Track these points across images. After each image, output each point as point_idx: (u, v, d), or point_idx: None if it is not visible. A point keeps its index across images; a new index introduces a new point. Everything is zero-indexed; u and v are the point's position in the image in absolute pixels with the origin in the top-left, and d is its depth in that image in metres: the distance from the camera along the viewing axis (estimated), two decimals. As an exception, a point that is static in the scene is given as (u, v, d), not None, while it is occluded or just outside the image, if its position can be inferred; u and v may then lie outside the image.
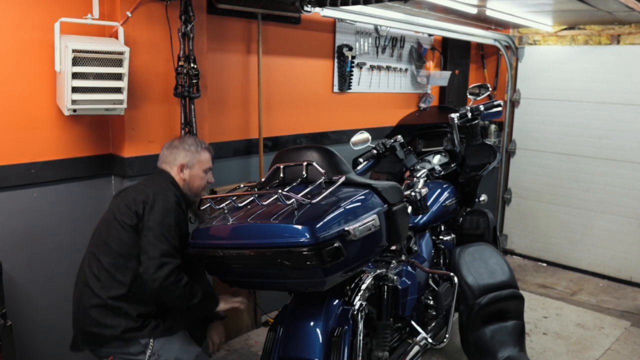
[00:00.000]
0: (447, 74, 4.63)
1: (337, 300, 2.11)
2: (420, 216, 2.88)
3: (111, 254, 2.08)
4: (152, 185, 2.19)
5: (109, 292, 2.04)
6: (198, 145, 2.33)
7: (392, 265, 2.54)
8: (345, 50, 3.87)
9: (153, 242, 2.04)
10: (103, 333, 2.04)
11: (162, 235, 2.05)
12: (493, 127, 5.07)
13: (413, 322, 2.62)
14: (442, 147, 3.36)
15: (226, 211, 1.99)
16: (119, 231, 2.09)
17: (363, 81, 4.12)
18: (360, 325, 2.08)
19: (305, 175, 2.09)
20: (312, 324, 2.04)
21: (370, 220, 1.96)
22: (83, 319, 2.08)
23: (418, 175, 2.79)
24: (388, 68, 4.28)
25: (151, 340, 2.08)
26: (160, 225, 2.07)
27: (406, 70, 4.47)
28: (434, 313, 2.83)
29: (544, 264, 4.99)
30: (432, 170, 3.11)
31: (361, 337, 2.08)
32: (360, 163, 2.76)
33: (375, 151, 2.77)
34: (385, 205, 2.10)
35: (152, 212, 2.08)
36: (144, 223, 2.08)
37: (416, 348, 2.58)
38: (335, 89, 3.94)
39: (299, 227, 1.77)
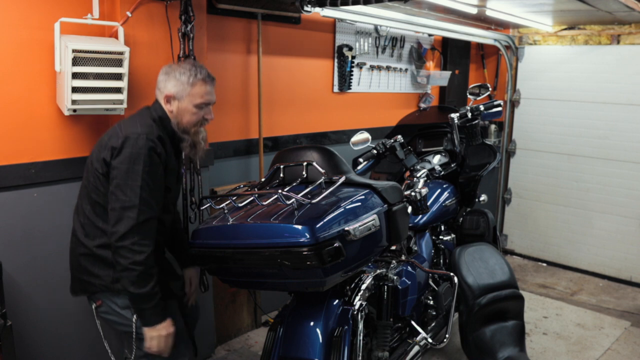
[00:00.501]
0: (447, 74, 4.63)
1: (337, 300, 2.11)
2: (420, 216, 2.88)
3: (91, 202, 2.01)
4: (127, 127, 1.98)
5: (94, 240, 2.01)
6: (192, 74, 2.03)
7: (392, 265, 2.54)
8: (345, 50, 3.87)
9: (115, 192, 1.89)
10: (92, 282, 2.03)
11: (125, 185, 1.87)
12: (493, 127, 5.08)
13: (413, 322, 2.62)
14: (442, 147, 3.36)
15: (226, 211, 1.99)
16: (95, 179, 1.98)
17: (363, 81, 4.12)
18: (360, 325, 2.08)
19: (305, 175, 2.09)
20: (312, 324, 2.04)
21: (370, 220, 1.96)
22: (76, 267, 2.08)
23: (418, 175, 2.79)
24: (388, 68, 4.28)
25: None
26: (125, 174, 1.89)
27: (406, 70, 4.47)
28: (434, 313, 2.83)
29: (544, 264, 4.99)
30: (432, 170, 3.12)
31: (361, 337, 2.08)
32: (360, 163, 2.76)
33: (375, 151, 2.77)
34: (385, 205, 2.10)
35: (118, 159, 1.91)
36: (111, 171, 1.92)
37: (416, 348, 2.58)
38: (335, 89, 3.94)
39: (299, 227, 1.77)
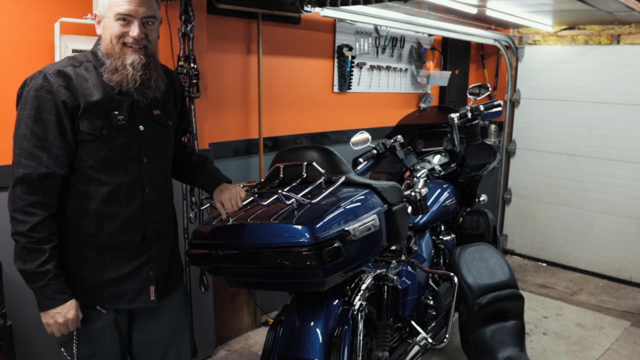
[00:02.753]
0: (447, 74, 4.63)
1: (337, 300, 2.11)
2: (420, 216, 2.88)
3: None
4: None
5: None
6: None
7: (392, 265, 2.54)
8: (345, 50, 3.87)
9: None
10: None
11: (15, 136, 1.62)
12: (493, 127, 5.08)
13: (413, 322, 2.62)
14: (442, 147, 3.36)
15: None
16: None
17: (363, 81, 4.12)
18: (360, 325, 2.08)
19: (305, 175, 2.09)
20: (312, 324, 2.04)
21: (370, 220, 1.96)
22: None
23: (418, 175, 2.79)
24: (388, 68, 4.28)
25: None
26: (16, 123, 1.63)
27: (406, 70, 4.47)
28: (434, 313, 2.83)
29: (544, 264, 4.99)
30: (432, 170, 3.11)
31: (361, 337, 2.08)
32: (360, 163, 2.76)
33: (375, 151, 2.77)
34: (385, 205, 2.10)
35: (17, 104, 1.68)
36: None
37: (416, 348, 2.58)
38: (335, 89, 3.94)
39: (299, 227, 1.77)
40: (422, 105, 4.67)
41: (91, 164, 1.66)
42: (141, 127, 1.75)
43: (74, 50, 2.29)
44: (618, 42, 4.43)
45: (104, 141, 1.66)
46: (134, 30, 1.64)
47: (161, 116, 1.83)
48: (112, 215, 1.70)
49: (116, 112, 1.67)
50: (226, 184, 1.95)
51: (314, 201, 1.84)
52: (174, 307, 1.95)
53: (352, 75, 3.97)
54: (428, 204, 2.72)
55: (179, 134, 2.04)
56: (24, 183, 1.57)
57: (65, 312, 1.66)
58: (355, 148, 2.77)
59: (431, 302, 2.82)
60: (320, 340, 2.00)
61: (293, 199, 1.84)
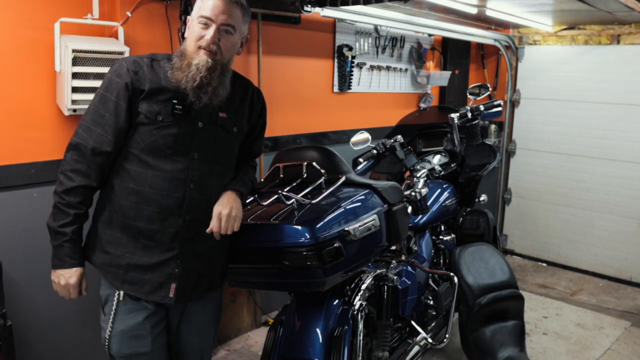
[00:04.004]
0: (447, 74, 4.63)
1: (337, 300, 2.11)
2: (420, 216, 2.88)
3: None
4: None
5: None
6: None
7: (392, 265, 2.54)
8: (345, 50, 3.87)
9: None
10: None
11: (86, 111, 1.75)
12: (493, 127, 5.07)
13: (413, 322, 2.62)
14: (442, 147, 3.36)
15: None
16: None
17: (363, 81, 4.12)
18: (360, 325, 2.08)
19: (305, 175, 2.09)
20: (312, 324, 2.04)
21: (370, 220, 1.96)
22: None
23: (418, 175, 2.79)
24: (388, 68, 4.28)
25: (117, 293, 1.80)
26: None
27: (406, 70, 4.47)
28: (434, 313, 2.83)
29: (544, 264, 4.99)
30: (432, 170, 3.11)
31: (361, 337, 2.08)
32: (360, 163, 2.76)
33: (375, 151, 2.77)
34: (385, 205, 2.10)
35: None
36: None
37: (416, 348, 2.58)
38: (335, 89, 3.94)
39: (299, 227, 1.77)
40: (422, 105, 4.67)
41: (142, 146, 1.71)
42: (200, 124, 1.77)
43: (74, 50, 2.29)
44: (618, 42, 4.43)
45: (157, 126, 1.71)
46: (209, 34, 1.70)
47: (226, 120, 1.82)
48: (152, 201, 1.72)
49: (175, 101, 1.72)
50: (230, 196, 1.82)
51: (314, 201, 1.85)
52: (206, 313, 1.95)
53: (352, 75, 3.97)
54: (428, 204, 2.72)
55: (247, 149, 2.00)
56: (75, 150, 1.70)
57: (69, 276, 1.74)
58: (355, 148, 2.77)
59: (431, 302, 2.82)
60: (320, 340, 2.00)
61: (293, 199, 1.84)
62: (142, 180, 1.72)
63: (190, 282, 1.81)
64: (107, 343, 1.79)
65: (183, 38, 2.53)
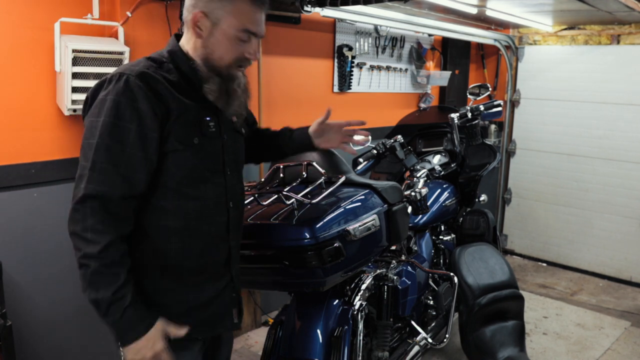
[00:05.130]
0: (447, 74, 4.63)
1: (337, 300, 2.11)
2: (420, 216, 2.88)
3: None
4: (127, 64, 1.49)
5: None
6: None
7: (392, 265, 2.54)
8: (345, 50, 3.87)
9: (80, 155, 1.40)
10: None
11: (86, 144, 1.38)
12: (493, 127, 5.07)
13: (413, 322, 2.62)
14: (442, 147, 3.36)
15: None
16: None
17: (363, 81, 4.12)
18: (360, 325, 2.08)
19: (305, 175, 2.08)
20: (312, 324, 2.04)
21: (370, 220, 1.96)
22: None
23: (418, 175, 2.79)
24: (388, 68, 4.28)
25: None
26: (88, 130, 1.38)
27: (406, 70, 4.47)
28: (434, 313, 2.83)
29: (544, 264, 4.99)
30: (432, 170, 3.11)
31: (361, 337, 2.08)
32: (360, 163, 2.76)
33: (375, 151, 2.77)
34: (385, 205, 2.10)
35: (89, 112, 1.42)
36: None
37: (416, 348, 2.58)
38: (335, 89, 3.94)
39: (299, 227, 1.77)
40: (422, 105, 4.67)
41: (180, 177, 1.45)
42: (225, 136, 1.57)
43: (74, 50, 2.29)
44: (618, 42, 4.43)
45: (194, 151, 1.46)
46: (253, 48, 1.52)
47: (238, 122, 1.65)
48: (200, 233, 1.50)
49: (208, 119, 1.50)
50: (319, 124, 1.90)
51: (314, 201, 1.84)
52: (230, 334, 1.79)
53: (352, 75, 3.97)
54: (428, 204, 2.71)
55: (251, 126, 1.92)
56: (95, 200, 1.34)
57: (152, 343, 1.40)
58: (356, 148, 2.77)
59: (431, 302, 2.82)
60: (320, 341, 2.00)
61: (293, 199, 1.84)
62: (184, 216, 1.47)
63: (241, 300, 1.71)
64: None
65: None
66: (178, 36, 1.55)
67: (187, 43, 1.51)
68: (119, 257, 1.36)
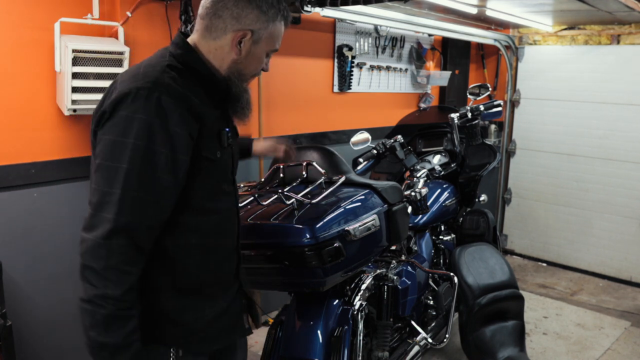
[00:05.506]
0: (447, 74, 4.63)
1: (337, 300, 2.11)
2: (420, 216, 2.88)
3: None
4: (128, 77, 1.34)
5: None
6: (279, 10, 1.43)
7: (392, 265, 2.54)
8: (345, 50, 3.87)
9: (95, 176, 1.27)
10: None
11: (109, 167, 1.24)
12: (493, 127, 5.08)
13: (413, 322, 2.62)
14: (442, 147, 3.36)
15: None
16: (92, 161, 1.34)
17: (363, 81, 4.12)
18: (360, 325, 2.08)
19: (305, 175, 2.09)
20: (312, 324, 2.04)
21: (370, 220, 1.96)
22: None
23: (418, 175, 2.79)
24: (388, 68, 4.28)
25: (172, 350, 1.42)
26: (110, 150, 1.25)
27: (406, 70, 4.47)
28: (434, 313, 2.83)
29: (544, 264, 4.99)
30: (432, 170, 3.12)
31: (361, 337, 2.08)
32: (360, 163, 2.77)
33: (375, 151, 2.77)
34: (385, 205, 2.10)
35: (105, 127, 1.28)
36: (97, 145, 1.30)
37: (416, 348, 2.58)
38: (335, 89, 3.94)
39: (299, 227, 1.77)
40: (422, 105, 4.67)
41: (203, 193, 1.40)
42: (233, 145, 1.53)
43: (74, 50, 2.29)
44: (618, 42, 4.43)
45: (216, 165, 1.41)
46: (268, 65, 1.52)
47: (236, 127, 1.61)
48: (217, 246, 1.47)
49: (227, 129, 1.45)
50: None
51: (314, 201, 1.85)
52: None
53: (352, 75, 3.97)
54: (428, 204, 2.72)
55: None
56: (124, 235, 1.22)
57: None
58: (355, 148, 2.77)
59: (431, 302, 2.82)
60: (320, 341, 2.00)
61: (293, 199, 1.84)
62: (205, 231, 1.42)
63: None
64: None
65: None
66: (185, 35, 1.47)
67: (209, 52, 1.43)
68: (135, 297, 1.27)
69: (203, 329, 1.46)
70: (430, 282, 2.86)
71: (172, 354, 1.42)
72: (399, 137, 2.78)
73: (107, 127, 1.28)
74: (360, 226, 1.90)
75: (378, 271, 2.40)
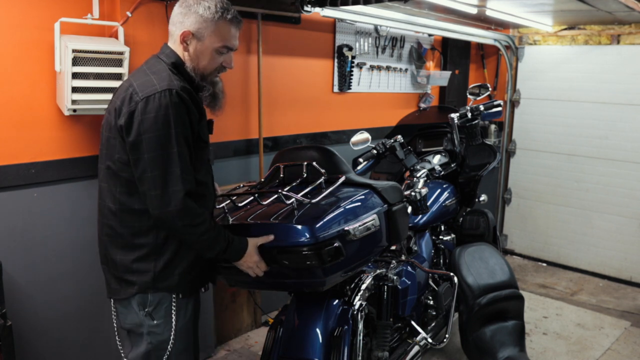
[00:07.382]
0: (447, 74, 4.63)
1: (337, 300, 2.11)
2: (420, 216, 2.88)
3: (121, 182, 1.76)
4: (141, 84, 1.70)
5: (131, 228, 1.81)
6: (219, 11, 1.77)
7: (392, 265, 2.54)
8: (345, 50, 3.87)
9: (150, 168, 1.67)
10: (133, 280, 1.80)
11: (161, 156, 1.66)
12: (493, 127, 5.08)
13: (413, 322, 2.62)
14: (442, 147, 3.36)
15: (226, 211, 1.99)
16: (120, 155, 1.73)
17: (363, 81, 4.12)
18: (360, 325, 2.08)
19: (305, 175, 2.09)
20: (312, 324, 2.04)
21: (370, 220, 1.96)
22: (112, 264, 1.86)
23: (418, 175, 2.79)
24: (388, 68, 4.28)
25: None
26: (157, 144, 1.65)
27: (406, 70, 4.47)
28: (434, 313, 2.83)
29: (544, 264, 4.99)
30: (432, 170, 3.11)
31: (361, 337, 2.08)
32: (360, 163, 2.77)
33: (375, 151, 2.77)
34: (385, 205, 2.10)
35: (142, 127, 1.66)
36: (135, 145, 1.67)
37: (416, 348, 2.58)
38: (335, 89, 3.94)
39: (299, 226, 1.77)
40: (422, 105, 4.67)
41: (198, 168, 1.80)
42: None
43: (74, 50, 2.29)
44: (618, 42, 4.43)
45: (207, 146, 1.86)
46: (231, 63, 1.87)
47: None
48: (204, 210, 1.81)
49: (211, 119, 1.91)
50: None
51: (314, 201, 1.85)
52: None
53: (352, 75, 3.97)
54: (428, 204, 2.72)
55: None
56: (188, 194, 1.69)
57: (251, 254, 1.83)
58: (355, 148, 2.78)
59: (431, 302, 2.82)
60: (320, 340, 2.00)
61: (293, 199, 1.84)
62: (196, 198, 1.75)
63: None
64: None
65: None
66: (167, 47, 1.84)
67: (177, 50, 1.82)
68: (209, 214, 1.84)
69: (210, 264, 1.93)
70: (430, 282, 2.86)
71: (173, 299, 1.84)
72: (399, 137, 2.78)
73: (145, 127, 1.65)
74: (360, 226, 1.90)
75: (378, 271, 2.40)
